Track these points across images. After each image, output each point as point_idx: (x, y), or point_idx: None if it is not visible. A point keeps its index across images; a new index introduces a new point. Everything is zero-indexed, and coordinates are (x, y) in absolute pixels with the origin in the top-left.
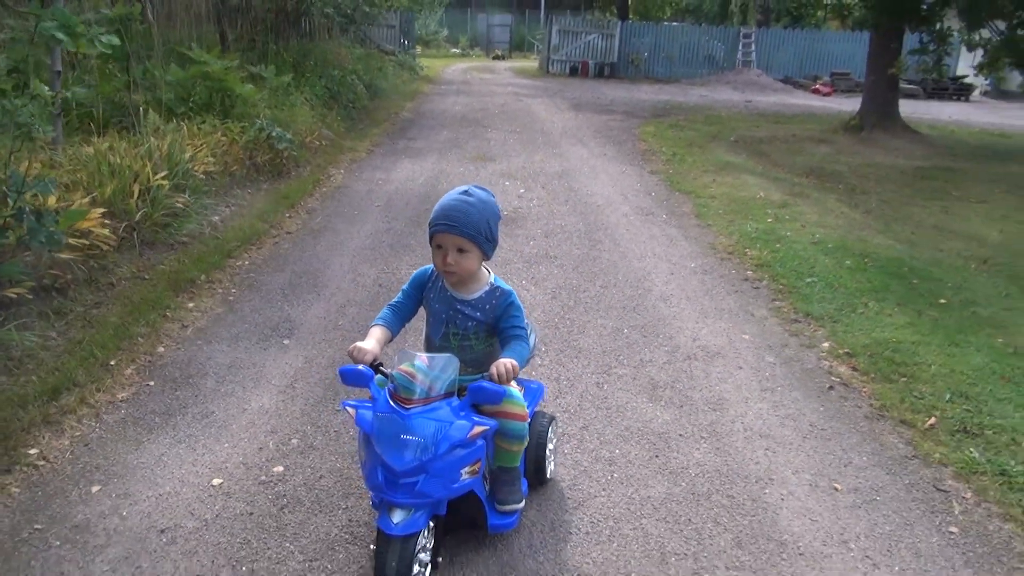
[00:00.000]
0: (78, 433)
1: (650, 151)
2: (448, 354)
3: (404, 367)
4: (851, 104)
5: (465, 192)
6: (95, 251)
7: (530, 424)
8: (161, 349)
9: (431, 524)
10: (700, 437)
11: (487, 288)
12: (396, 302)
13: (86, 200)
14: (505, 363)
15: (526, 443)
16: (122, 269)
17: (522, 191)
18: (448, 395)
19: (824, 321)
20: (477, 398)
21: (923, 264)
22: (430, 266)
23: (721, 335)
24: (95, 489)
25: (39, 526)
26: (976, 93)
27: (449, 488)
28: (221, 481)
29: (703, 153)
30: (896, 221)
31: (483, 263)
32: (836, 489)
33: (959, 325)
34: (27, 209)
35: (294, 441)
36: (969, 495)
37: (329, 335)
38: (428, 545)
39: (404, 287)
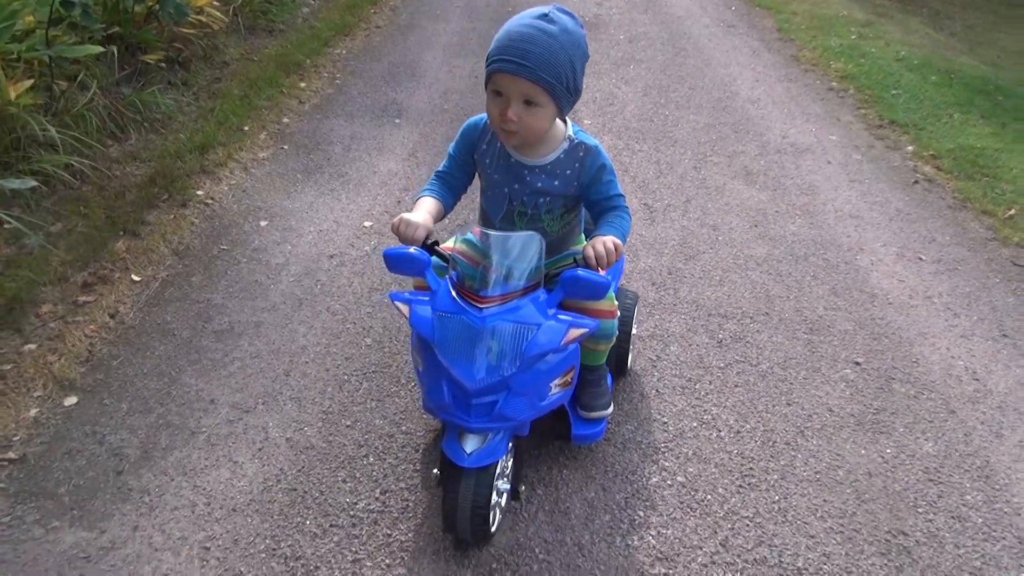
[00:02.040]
0: (233, 182)
1: None
2: (529, 231)
3: (468, 250)
4: None
5: (544, 17)
6: (207, 30)
7: None
8: (286, 120)
9: (511, 444)
10: (795, 214)
11: (566, 145)
12: (443, 169)
13: None
14: (605, 241)
15: (615, 339)
16: (231, 50)
17: None
18: (531, 288)
19: (909, 128)
20: (572, 292)
21: (1008, 84)
22: (482, 115)
23: (809, 135)
24: (263, 224)
25: (224, 247)
26: None
27: (536, 407)
28: (371, 224)
29: None
30: (980, 45)
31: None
32: (921, 259)
33: None
34: None
35: None
36: None
37: (437, 116)
38: (507, 470)
39: (450, 148)
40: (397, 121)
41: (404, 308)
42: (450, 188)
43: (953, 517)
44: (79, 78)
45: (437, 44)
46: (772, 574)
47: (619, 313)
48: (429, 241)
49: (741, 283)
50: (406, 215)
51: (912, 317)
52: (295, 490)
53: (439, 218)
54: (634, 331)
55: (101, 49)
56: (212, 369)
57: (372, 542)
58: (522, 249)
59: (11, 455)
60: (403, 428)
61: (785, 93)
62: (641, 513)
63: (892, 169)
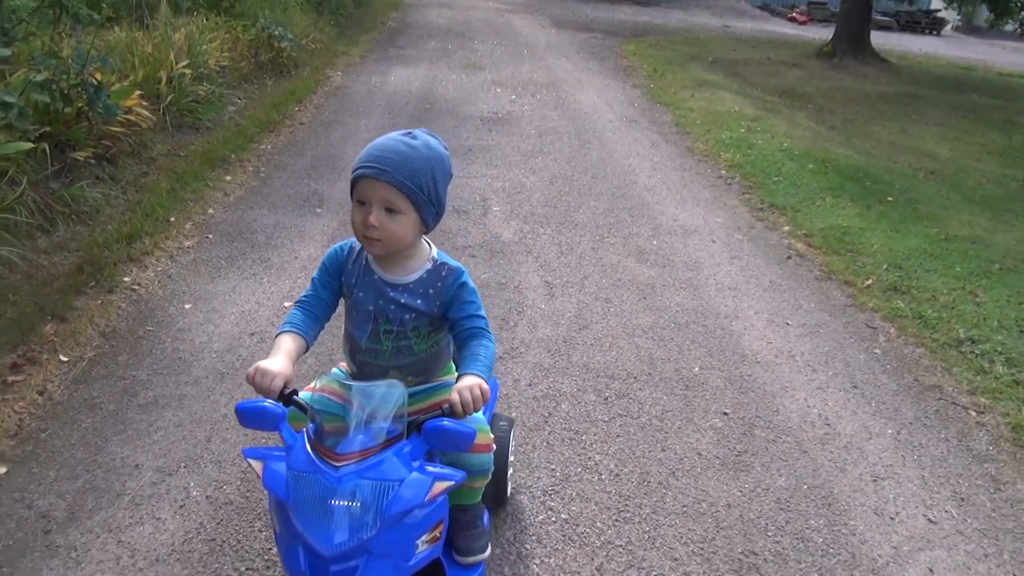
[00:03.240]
0: (159, 268)
1: (631, 67)
2: (392, 380)
3: (334, 386)
4: (826, 33)
5: (408, 134)
6: (135, 128)
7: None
8: (211, 211)
9: None
10: (680, 287)
11: (429, 266)
12: (306, 296)
13: (126, 82)
14: (470, 388)
15: (491, 475)
16: (159, 147)
17: (513, 97)
18: (394, 439)
19: (786, 210)
20: (436, 443)
21: (877, 171)
22: (348, 241)
23: (697, 218)
24: (187, 306)
25: (150, 328)
26: (947, 28)
27: (402, 568)
28: (291, 304)
29: (682, 71)
30: (857, 137)
31: (423, 235)
32: (788, 324)
33: (901, 217)
34: (91, 81)
35: None
36: (893, 331)
37: None
38: None
39: (315, 274)
40: (318, 211)
41: (257, 466)
42: (314, 316)
43: (798, 539)
44: (9, 174)
45: (359, 139)
46: None
47: (494, 446)
48: (287, 391)
49: (628, 348)
50: (262, 364)
51: (776, 373)
52: (214, 540)
53: (301, 354)
54: (511, 458)
55: (32, 146)
56: (137, 438)
57: None
58: (382, 399)
59: None
60: None
61: (679, 181)
62: (527, 546)
63: (769, 246)
